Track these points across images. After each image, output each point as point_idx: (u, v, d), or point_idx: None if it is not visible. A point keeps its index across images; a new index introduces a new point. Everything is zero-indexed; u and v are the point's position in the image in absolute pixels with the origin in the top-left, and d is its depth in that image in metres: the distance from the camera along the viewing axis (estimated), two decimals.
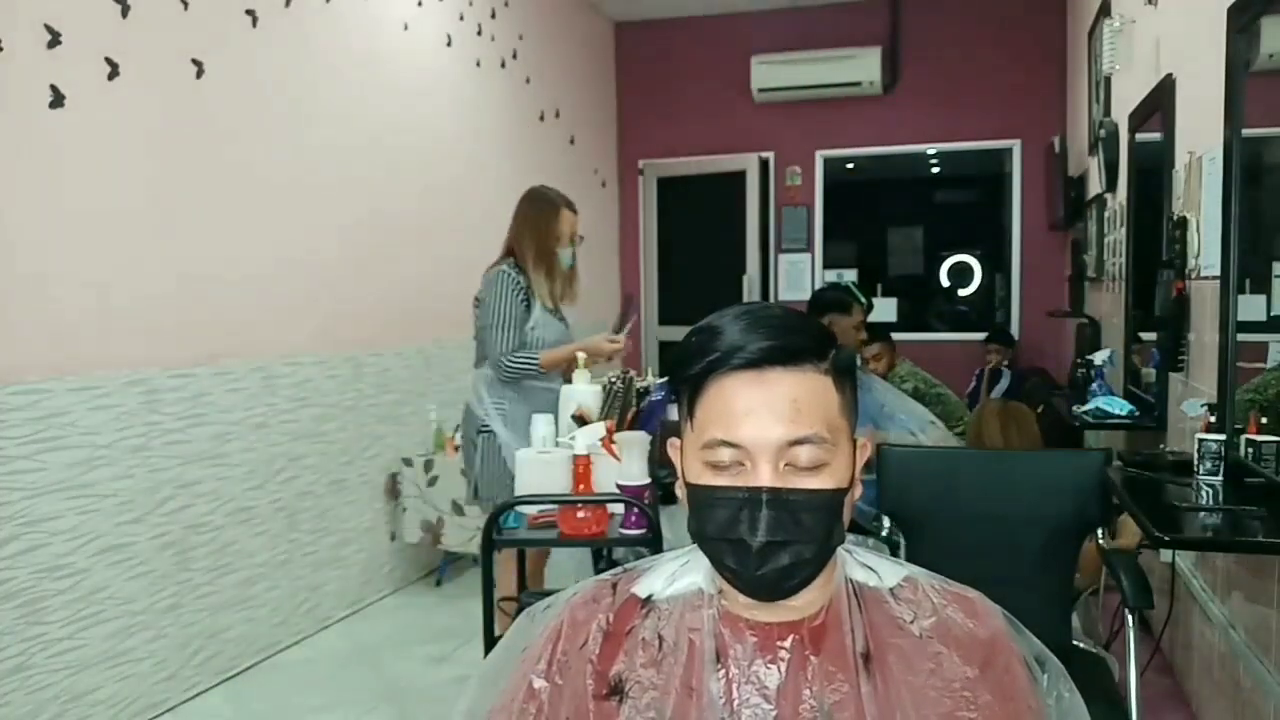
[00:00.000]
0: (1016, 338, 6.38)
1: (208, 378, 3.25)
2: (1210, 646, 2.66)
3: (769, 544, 0.91)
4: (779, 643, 0.95)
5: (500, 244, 3.24)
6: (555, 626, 1.02)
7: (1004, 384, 5.73)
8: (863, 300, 3.74)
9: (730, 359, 0.93)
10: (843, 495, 0.95)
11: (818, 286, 6.28)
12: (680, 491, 0.99)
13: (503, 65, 5.31)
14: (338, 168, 3.93)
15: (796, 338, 0.94)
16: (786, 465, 0.92)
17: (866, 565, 1.02)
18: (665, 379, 2.81)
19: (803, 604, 0.96)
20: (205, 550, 3.24)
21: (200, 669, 3.23)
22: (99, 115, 2.85)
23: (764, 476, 0.91)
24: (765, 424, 0.91)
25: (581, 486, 2.30)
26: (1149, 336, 3.48)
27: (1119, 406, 3.53)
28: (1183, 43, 3.08)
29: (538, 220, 3.18)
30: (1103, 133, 4.28)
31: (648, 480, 2.31)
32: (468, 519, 4.05)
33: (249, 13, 3.44)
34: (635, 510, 2.25)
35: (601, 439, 2.39)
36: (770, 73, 6.51)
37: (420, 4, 4.51)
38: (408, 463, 4.22)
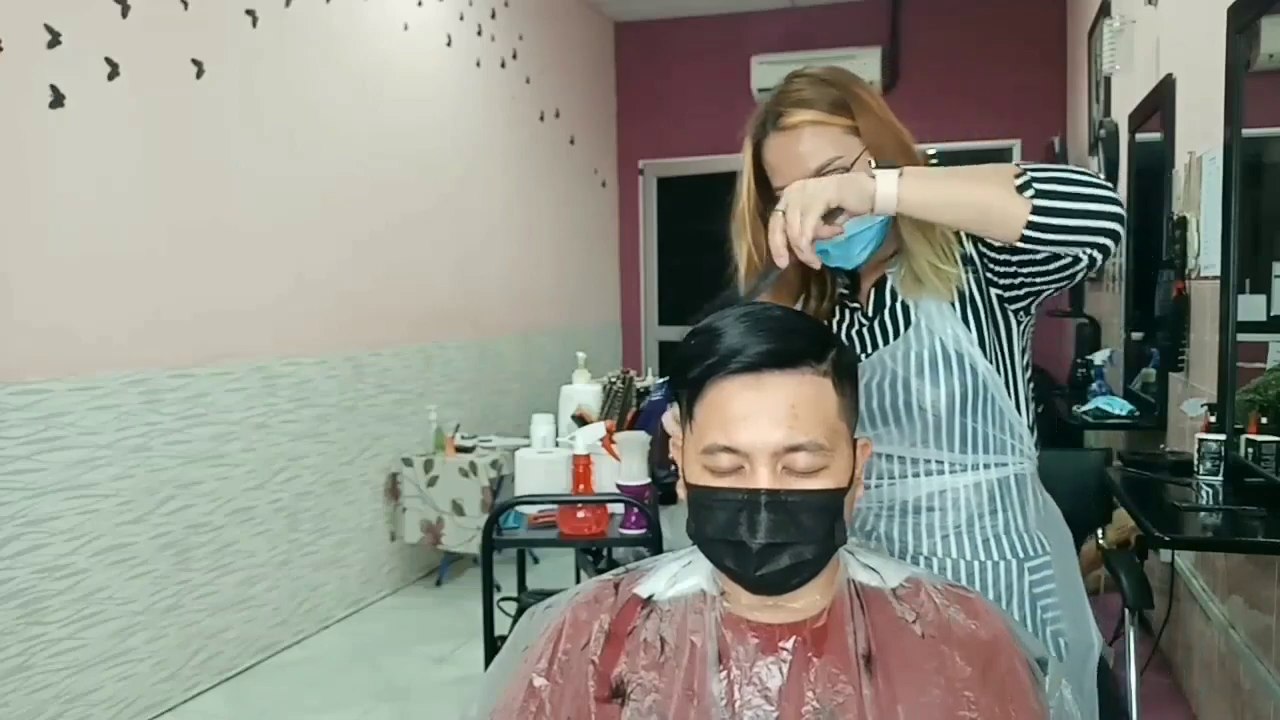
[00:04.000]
0: None
1: (208, 378, 3.25)
2: (1210, 646, 2.66)
3: (769, 545, 0.91)
4: (781, 644, 0.94)
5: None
6: (557, 626, 1.02)
7: None
8: None
9: (728, 363, 0.93)
10: (843, 495, 0.95)
11: None
12: (681, 492, 0.99)
13: (503, 65, 5.31)
14: (337, 167, 3.93)
15: (795, 341, 0.94)
16: (784, 467, 0.92)
17: (869, 566, 1.02)
18: (665, 379, 2.81)
19: (804, 605, 0.96)
20: (205, 550, 3.24)
21: (200, 669, 3.23)
22: (99, 115, 2.85)
23: (762, 479, 0.91)
24: (762, 429, 0.91)
25: (581, 486, 2.31)
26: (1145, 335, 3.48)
27: (1119, 406, 3.54)
28: (1183, 43, 3.07)
29: None
30: (1103, 133, 4.28)
31: (648, 480, 2.31)
32: (468, 519, 4.05)
33: (249, 13, 3.44)
34: (635, 510, 2.26)
35: (601, 439, 2.40)
36: (770, 73, 6.49)
37: (420, 4, 4.50)
38: (408, 463, 4.22)
